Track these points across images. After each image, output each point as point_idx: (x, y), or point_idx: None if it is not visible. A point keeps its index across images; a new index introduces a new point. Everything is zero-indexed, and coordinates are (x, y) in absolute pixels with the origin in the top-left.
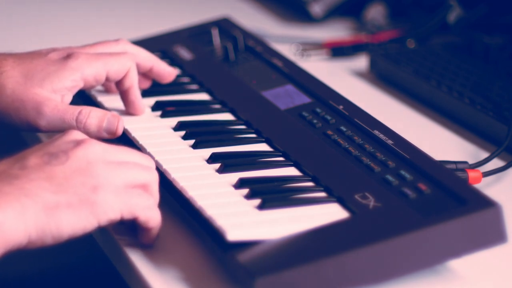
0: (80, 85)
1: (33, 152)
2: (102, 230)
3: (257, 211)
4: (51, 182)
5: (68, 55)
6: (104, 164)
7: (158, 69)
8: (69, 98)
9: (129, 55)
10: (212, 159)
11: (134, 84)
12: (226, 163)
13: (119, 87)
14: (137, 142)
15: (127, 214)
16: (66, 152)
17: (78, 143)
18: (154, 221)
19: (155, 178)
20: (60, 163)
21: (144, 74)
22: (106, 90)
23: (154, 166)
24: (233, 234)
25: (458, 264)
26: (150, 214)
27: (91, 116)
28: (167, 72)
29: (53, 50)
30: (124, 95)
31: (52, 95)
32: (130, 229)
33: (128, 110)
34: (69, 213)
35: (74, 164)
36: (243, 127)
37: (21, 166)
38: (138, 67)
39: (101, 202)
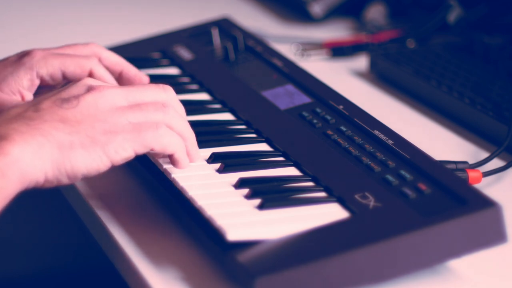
0: (36, 83)
1: (46, 98)
2: (101, 230)
3: (257, 211)
4: (64, 123)
5: (24, 54)
6: (113, 111)
7: (127, 74)
8: (30, 97)
9: (90, 58)
10: (212, 159)
11: None
12: (226, 163)
13: None
14: None
15: (141, 149)
16: (77, 97)
17: (89, 88)
18: (172, 146)
19: (169, 116)
20: (71, 106)
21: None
22: None
23: (171, 98)
24: (233, 234)
25: (458, 264)
26: (165, 141)
27: None
28: (138, 78)
29: (17, 53)
30: None
31: (12, 97)
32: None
33: None
34: (83, 153)
35: (84, 109)
36: (243, 127)
37: (35, 109)
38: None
39: (112, 143)
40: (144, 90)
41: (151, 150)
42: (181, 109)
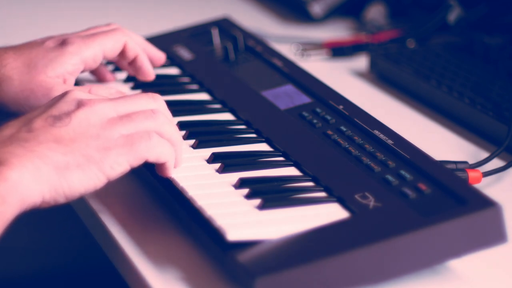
0: (80, 68)
1: (37, 115)
2: (101, 230)
3: (257, 211)
4: (59, 143)
5: (63, 41)
6: (104, 125)
7: (149, 52)
8: (72, 81)
9: (122, 31)
10: (212, 159)
11: (139, 53)
12: (226, 163)
13: (125, 60)
14: None
15: (136, 161)
16: (69, 114)
17: (79, 104)
18: (165, 156)
19: (160, 122)
20: (64, 124)
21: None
22: (120, 68)
23: (160, 105)
24: (233, 234)
25: (458, 264)
26: (158, 151)
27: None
28: (158, 56)
29: (48, 38)
30: (131, 65)
31: (55, 80)
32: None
33: (137, 77)
34: (79, 173)
35: (76, 126)
36: (243, 127)
37: (28, 129)
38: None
39: (106, 160)
40: (133, 100)
41: (146, 161)
42: (170, 116)
